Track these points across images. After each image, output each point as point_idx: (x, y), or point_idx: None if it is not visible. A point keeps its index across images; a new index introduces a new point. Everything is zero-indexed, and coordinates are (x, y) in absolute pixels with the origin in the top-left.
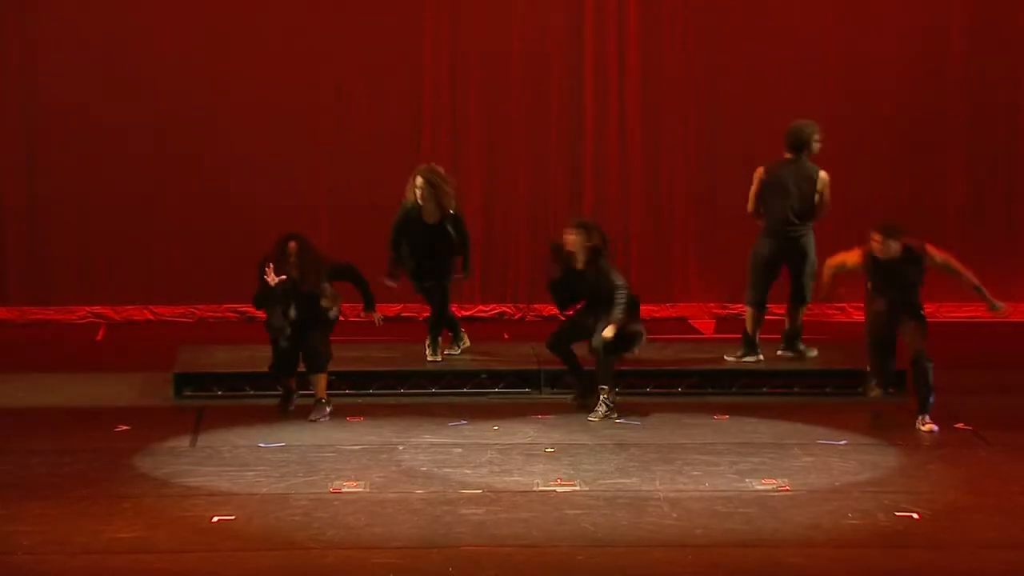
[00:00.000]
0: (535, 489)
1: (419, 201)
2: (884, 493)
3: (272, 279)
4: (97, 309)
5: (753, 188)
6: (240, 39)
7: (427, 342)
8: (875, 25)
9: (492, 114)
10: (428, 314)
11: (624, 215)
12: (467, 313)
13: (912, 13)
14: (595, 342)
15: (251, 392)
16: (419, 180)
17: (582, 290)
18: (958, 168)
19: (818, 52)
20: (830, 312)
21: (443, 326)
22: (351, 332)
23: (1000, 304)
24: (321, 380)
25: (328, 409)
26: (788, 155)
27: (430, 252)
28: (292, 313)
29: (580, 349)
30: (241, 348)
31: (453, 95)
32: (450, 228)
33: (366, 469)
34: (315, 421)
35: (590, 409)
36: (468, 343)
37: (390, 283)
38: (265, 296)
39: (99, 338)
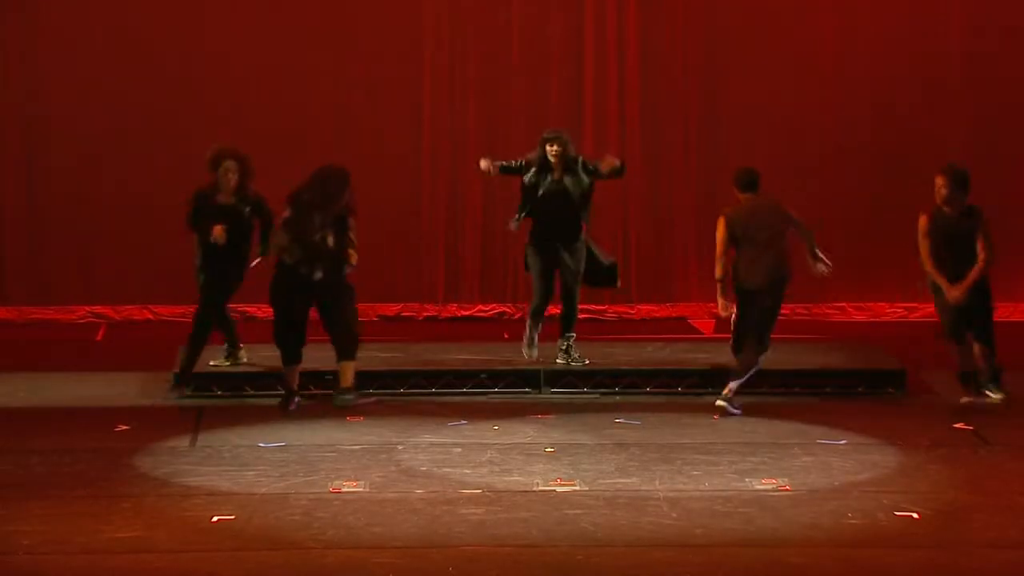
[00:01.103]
0: (535, 489)
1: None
2: (884, 493)
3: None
4: (97, 309)
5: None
6: (240, 39)
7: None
8: (875, 25)
9: (491, 114)
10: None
11: (624, 215)
12: (467, 313)
13: (912, 12)
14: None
15: (251, 392)
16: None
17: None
18: None
19: (818, 52)
20: (830, 312)
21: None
22: None
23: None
24: (351, 368)
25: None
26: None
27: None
28: (331, 240)
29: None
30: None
31: (452, 95)
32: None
33: (366, 469)
34: (348, 407)
35: None
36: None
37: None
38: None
39: (99, 338)
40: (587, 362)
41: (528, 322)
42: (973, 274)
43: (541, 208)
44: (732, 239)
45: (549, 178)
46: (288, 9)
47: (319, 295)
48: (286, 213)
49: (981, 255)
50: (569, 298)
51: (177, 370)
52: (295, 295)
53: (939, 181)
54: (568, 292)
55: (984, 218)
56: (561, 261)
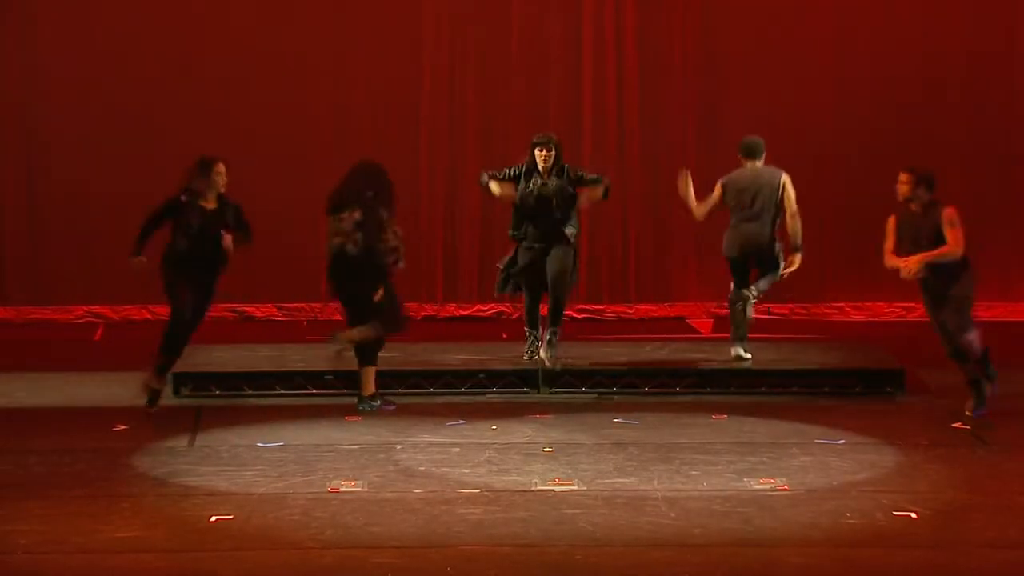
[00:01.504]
0: (533, 489)
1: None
2: (882, 493)
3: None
4: (95, 309)
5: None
6: (240, 39)
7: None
8: (875, 24)
9: (489, 114)
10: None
11: (623, 215)
12: (465, 313)
13: (912, 11)
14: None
15: (249, 392)
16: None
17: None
18: (957, 168)
19: (817, 52)
20: (828, 312)
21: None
22: None
23: None
24: (373, 373)
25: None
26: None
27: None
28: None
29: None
30: (239, 348)
31: (451, 95)
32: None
33: (364, 468)
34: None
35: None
36: None
37: None
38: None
39: (97, 337)
40: (559, 365)
41: (526, 328)
42: (932, 252)
43: (530, 211)
44: (723, 203)
45: (538, 182)
46: (288, 10)
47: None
48: (356, 215)
49: (948, 241)
50: (555, 295)
51: (152, 387)
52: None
53: (902, 177)
54: (554, 287)
55: (945, 210)
56: (547, 260)
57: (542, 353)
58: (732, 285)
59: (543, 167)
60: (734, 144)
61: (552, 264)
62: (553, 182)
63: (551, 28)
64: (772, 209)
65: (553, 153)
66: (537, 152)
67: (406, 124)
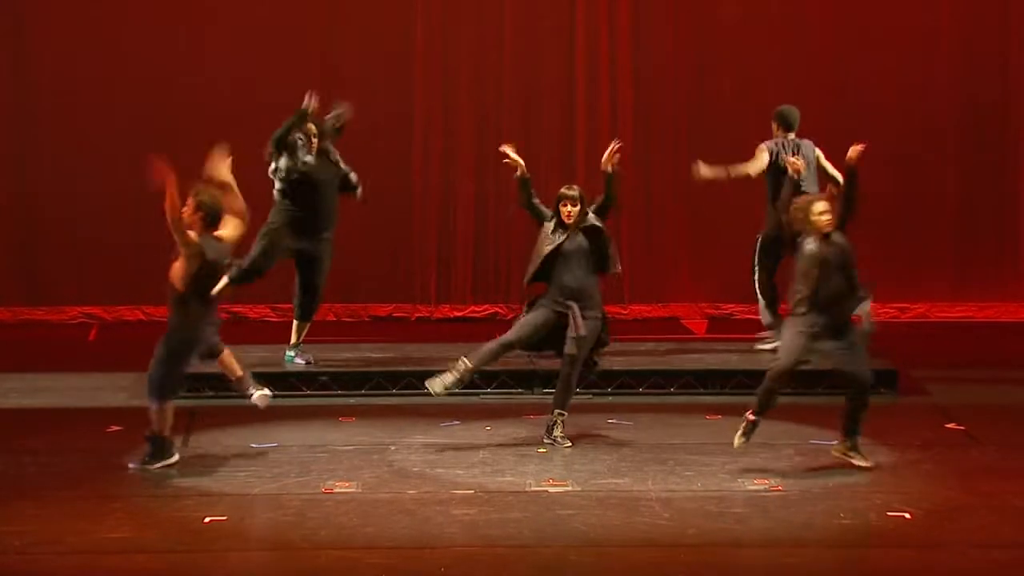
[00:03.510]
0: (527, 489)
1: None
2: (876, 493)
3: None
4: (89, 309)
5: None
6: (235, 39)
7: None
8: (868, 23)
9: (483, 113)
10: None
11: (615, 214)
12: (460, 313)
13: (905, 11)
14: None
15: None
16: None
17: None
18: (953, 169)
19: (811, 52)
20: None
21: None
22: (346, 332)
23: None
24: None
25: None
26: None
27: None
28: None
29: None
30: (233, 348)
31: (445, 94)
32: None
33: (358, 469)
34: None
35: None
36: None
37: None
38: None
39: (91, 338)
40: (569, 444)
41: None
42: None
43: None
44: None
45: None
46: (282, 10)
47: None
48: None
49: None
50: (568, 370)
51: None
52: None
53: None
54: (569, 361)
55: None
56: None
57: (547, 442)
58: (756, 269)
59: (569, 224)
60: (728, 141)
61: (574, 341)
62: (581, 236)
63: (544, 23)
64: (814, 183)
65: (579, 207)
66: (562, 207)
67: (400, 123)
